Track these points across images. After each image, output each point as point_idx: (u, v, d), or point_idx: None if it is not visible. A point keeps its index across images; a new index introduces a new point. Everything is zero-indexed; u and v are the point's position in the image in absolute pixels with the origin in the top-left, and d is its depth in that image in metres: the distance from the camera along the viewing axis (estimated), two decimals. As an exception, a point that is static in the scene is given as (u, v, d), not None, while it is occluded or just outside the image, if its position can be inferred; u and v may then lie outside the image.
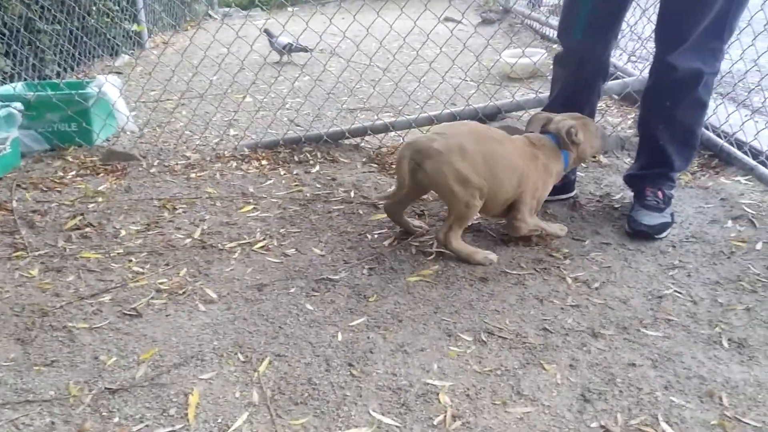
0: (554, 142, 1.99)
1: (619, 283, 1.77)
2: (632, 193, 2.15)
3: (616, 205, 2.26)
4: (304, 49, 4.46)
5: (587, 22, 1.92)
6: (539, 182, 1.94)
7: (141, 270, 1.86)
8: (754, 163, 2.22)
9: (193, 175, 2.58)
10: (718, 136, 2.47)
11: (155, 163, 2.71)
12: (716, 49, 1.84)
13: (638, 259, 1.90)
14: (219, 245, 2.02)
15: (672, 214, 1.99)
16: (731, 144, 2.40)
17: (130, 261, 1.92)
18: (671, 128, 1.97)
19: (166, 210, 2.28)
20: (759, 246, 1.93)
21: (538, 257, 1.91)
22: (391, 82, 3.64)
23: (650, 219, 1.95)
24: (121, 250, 1.98)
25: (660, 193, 2.01)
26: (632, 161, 2.65)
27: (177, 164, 2.69)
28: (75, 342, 1.53)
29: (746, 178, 2.34)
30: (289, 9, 7.29)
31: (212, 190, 2.44)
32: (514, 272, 1.83)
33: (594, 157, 2.46)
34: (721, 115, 2.56)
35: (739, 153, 2.32)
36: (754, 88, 3.00)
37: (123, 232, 2.11)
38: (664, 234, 1.95)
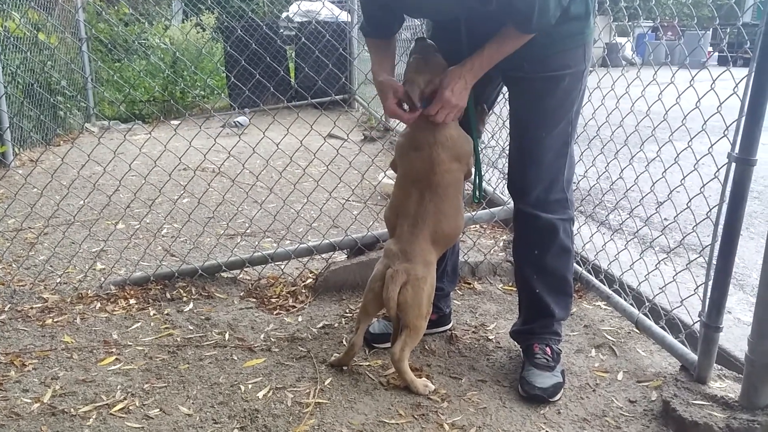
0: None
1: (495, 426, 1.78)
2: (521, 348, 2.14)
3: (491, 336, 2.32)
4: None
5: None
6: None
7: (-28, 451, 1.63)
8: (609, 291, 2.39)
9: (49, 321, 2.37)
10: (578, 263, 2.64)
11: (6, 308, 2.46)
12: (561, 200, 1.97)
13: (512, 397, 1.93)
14: (72, 410, 1.82)
15: (562, 372, 1.99)
16: (589, 272, 2.58)
17: (-39, 439, 1.68)
18: (544, 277, 2.03)
19: (14, 367, 2.06)
20: (620, 376, 2.04)
21: (417, 401, 1.89)
22: (274, 204, 3.64)
23: (543, 380, 1.92)
24: (-50, 426, 1.73)
25: (548, 350, 2.01)
26: (504, 286, 2.79)
27: (32, 308, 2.47)
28: None
29: (605, 303, 2.50)
30: (173, 123, 7.26)
31: (70, 339, 2.24)
32: (393, 422, 1.79)
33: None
34: (584, 235, 2.76)
35: (596, 281, 2.49)
36: (613, 209, 3.29)
37: (-43, 400, 1.86)
38: (557, 396, 1.91)
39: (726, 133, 1.77)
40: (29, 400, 1.87)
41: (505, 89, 2.10)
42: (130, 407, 1.84)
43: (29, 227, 3.49)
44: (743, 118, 1.67)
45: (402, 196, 1.97)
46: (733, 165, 1.70)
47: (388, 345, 2.03)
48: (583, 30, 1.84)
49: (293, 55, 8.44)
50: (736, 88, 1.74)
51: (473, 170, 2.02)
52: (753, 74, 1.63)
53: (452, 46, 1.87)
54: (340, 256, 2.95)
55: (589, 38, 1.86)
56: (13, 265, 2.94)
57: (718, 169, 1.81)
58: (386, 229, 2.09)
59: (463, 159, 1.94)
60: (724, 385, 1.82)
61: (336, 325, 2.39)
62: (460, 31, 1.86)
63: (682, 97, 2.03)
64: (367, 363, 2.11)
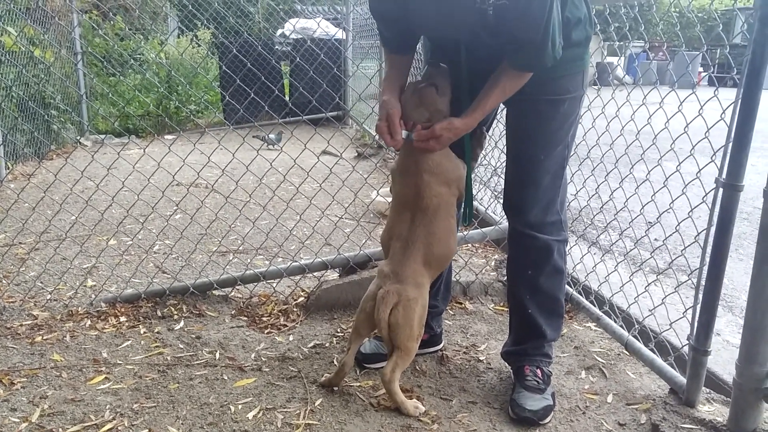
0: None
1: (485, 449, 1.78)
2: (511, 369, 2.14)
3: (482, 357, 2.32)
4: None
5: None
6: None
7: (-42, 472, 1.62)
8: (599, 313, 2.40)
9: (38, 339, 2.35)
10: (569, 283, 2.66)
11: (-5, 325, 2.45)
12: (556, 221, 1.99)
13: (502, 420, 1.93)
14: (60, 430, 1.81)
15: (553, 394, 1.99)
16: (580, 293, 2.59)
17: (-54, 460, 1.66)
18: (537, 297, 2.04)
19: (2, 385, 2.04)
20: (610, 399, 2.04)
21: (407, 423, 1.89)
22: (267, 221, 3.65)
23: (533, 403, 1.92)
24: (-64, 446, 1.72)
25: (539, 372, 2.01)
26: (495, 306, 2.80)
27: (21, 325, 2.45)
28: None
29: (595, 324, 2.51)
30: (168, 138, 7.27)
31: (59, 358, 2.22)
32: (382, 444, 1.79)
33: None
34: (574, 255, 2.77)
35: (586, 302, 2.51)
36: (604, 229, 3.32)
37: (-57, 420, 1.84)
38: (547, 419, 1.91)
39: (713, 158, 1.80)
40: (17, 420, 1.86)
41: (500, 107, 2.12)
42: (119, 427, 1.83)
43: (20, 243, 3.47)
44: (730, 144, 1.69)
45: (395, 219, 1.98)
46: (721, 190, 1.72)
47: (379, 365, 2.03)
48: (583, 56, 1.86)
49: (288, 72, 8.49)
50: (723, 114, 1.77)
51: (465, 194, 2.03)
52: (740, 100, 1.66)
53: (451, 67, 1.90)
54: (332, 275, 2.95)
55: (587, 64, 1.89)
56: (3, 281, 2.92)
57: (706, 194, 1.83)
58: (378, 248, 2.10)
59: (453, 184, 1.94)
60: (713, 409, 1.83)
61: (327, 344, 2.39)
62: (459, 53, 1.88)
63: (671, 118, 2.06)
64: (358, 384, 2.11)
